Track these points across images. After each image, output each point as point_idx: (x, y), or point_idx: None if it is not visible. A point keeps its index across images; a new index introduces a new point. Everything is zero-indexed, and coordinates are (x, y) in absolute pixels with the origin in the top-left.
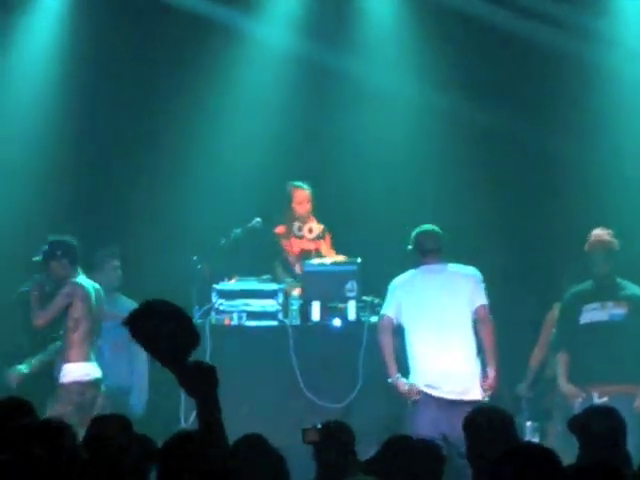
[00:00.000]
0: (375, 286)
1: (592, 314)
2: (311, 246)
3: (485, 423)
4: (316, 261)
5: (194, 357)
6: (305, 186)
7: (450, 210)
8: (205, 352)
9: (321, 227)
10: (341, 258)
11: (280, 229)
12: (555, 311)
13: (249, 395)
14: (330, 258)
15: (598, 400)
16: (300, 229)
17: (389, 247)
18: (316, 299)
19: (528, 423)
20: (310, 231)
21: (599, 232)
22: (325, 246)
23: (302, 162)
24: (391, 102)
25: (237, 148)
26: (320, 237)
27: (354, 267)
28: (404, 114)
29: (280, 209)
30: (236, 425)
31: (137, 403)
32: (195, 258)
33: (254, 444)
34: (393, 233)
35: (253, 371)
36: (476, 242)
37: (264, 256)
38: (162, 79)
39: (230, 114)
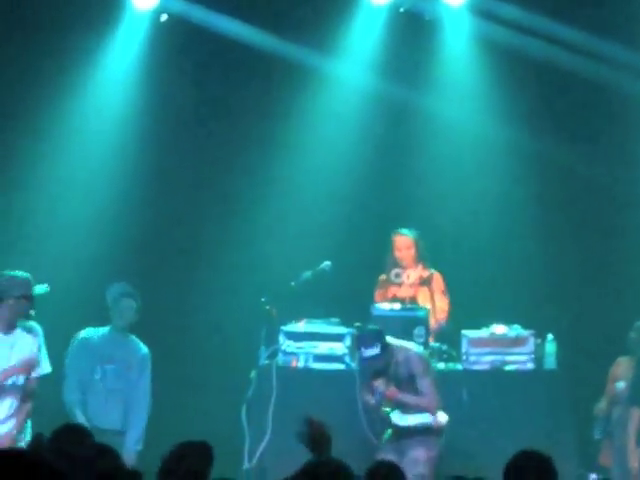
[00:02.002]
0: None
1: None
2: (407, 293)
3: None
4: (386, 305)
5: (263, 396)
6: (406, 232)
7: (531, 247)
8: (271, 393)
9: (427, 273)
10: (444, 303)
11: (381, 278)
12: (620, 365)
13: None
14: (407, 304)
15: None
16: (398, 276)
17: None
18: None
19: (592, 477)
20: (408, 277)
21: None
22: (424, 294)
23: (377, 203)
24: (465, 139)
25: (311, 188)
26: (424, 283)
27: (423, 313)
28: (478, 151)
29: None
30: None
31: (133, 443)
32: (264, 299)
33: None
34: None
35: (318, 413)
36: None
37: (333, 299)
38: (238, 121)
39: (306, 154)
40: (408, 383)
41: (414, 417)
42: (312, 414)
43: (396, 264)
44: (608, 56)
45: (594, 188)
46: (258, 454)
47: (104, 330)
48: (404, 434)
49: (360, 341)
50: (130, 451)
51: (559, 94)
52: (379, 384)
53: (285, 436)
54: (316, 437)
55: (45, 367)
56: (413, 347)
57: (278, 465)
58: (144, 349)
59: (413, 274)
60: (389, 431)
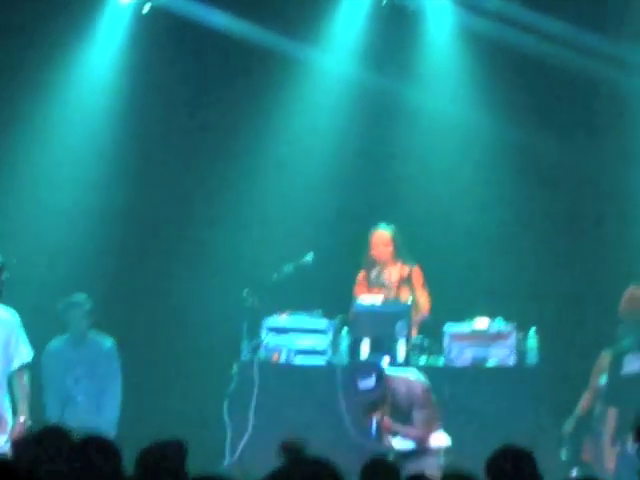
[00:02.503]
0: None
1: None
2: (390, 294)
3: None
4: (367, 300)
5: (245, 391)
6: (383, 228)
7: (505, 246)
8: (253, 388)
9: (406, 270)
10: (425, 297)
11: (361, 275)
12: (605, 359)
13: (295, 432)
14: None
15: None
16: (378, 276)
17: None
18: (366, 338)
19: (573, 472)
20: (390, 276)
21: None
22: (405, 292)
23: (361, 195)
24: (448, 130)
25: (294, 180)
26: (405, 282)
27: (405, 307)
28: (461, 142)
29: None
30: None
31: (106, 426)
32: (246, 292)
33: None
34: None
35: (300, 408)
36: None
37: (316, 291)
38: (219, 113)
39: (290, 146)
40: (407, 413)
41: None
42: (287, 439)
43: (374, 261)
44: (591, 48)
45: (578, 179)
46: (240, 449)
47: (64, 337)
48: (403, 456)
49: (356, 372)
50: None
51: (542, 85)
52: (375, 415)
53: (267, 431)
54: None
55: (26, 354)
56: (415, 377)
57: (259, 460)
58: (107, 342)
59: (394, 273)
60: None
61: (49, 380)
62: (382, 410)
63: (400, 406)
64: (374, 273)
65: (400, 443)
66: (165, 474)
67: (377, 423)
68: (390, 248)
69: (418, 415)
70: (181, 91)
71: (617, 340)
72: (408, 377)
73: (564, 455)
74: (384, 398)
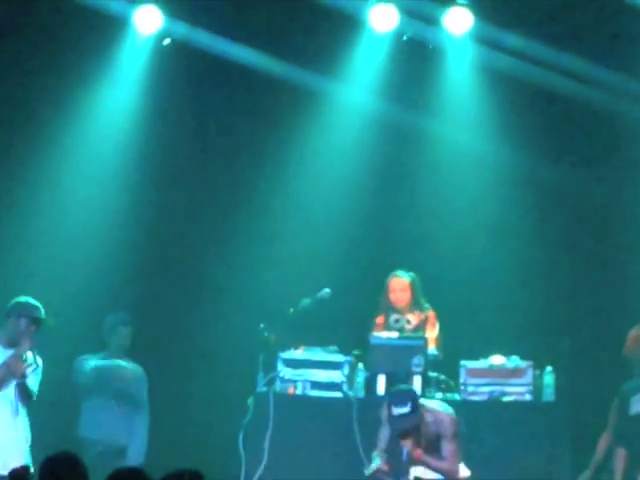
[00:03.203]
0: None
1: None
2: None
3: None
4: (384, 334)
5: (260, 423)
6: (402, 274)
7: (530, 277)
8: (268, 420)
9: (423, 316)
10: (434, 333)
11: (379, 319)
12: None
13: (309, 465)
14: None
15: None
16: (397, 321)
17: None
18: (382, 372)
19: None
20: (409, 323)
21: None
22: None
23: (379, 230)
24: (467, 164)
25: (312, 214)
26: (420, 327)
27: (421, 342)
28: (479, 177)
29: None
30: None
31: (136, 457)
32: (262, 326)
33: None
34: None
35: (315, 442)
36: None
37: (332, 327)
38: (240, 146)
39: (308, 179)
40: (434, 444)
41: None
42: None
43: (390, 307)
44: (609, 84)
45: (595, 214)
46: (258, 474)
47: (102, 355)
48: None
49: (391, 399)
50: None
51: (561, 121)
52: (407, 443)
53: (281, 463)
54: None
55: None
56: (443, 408)
57: None
58: (139, 368)
59: (412, 319)
60: None
61: (86, 398)
62: (413, 439)
63: (427, 437)
64: (393, 318)
65: (425, 473)
66: None
67: (407, 452)
68: (408, 294)
69: (448, 446)
70: (201, 124)
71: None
72: (436, 408)
73: None
74: (418, 426)
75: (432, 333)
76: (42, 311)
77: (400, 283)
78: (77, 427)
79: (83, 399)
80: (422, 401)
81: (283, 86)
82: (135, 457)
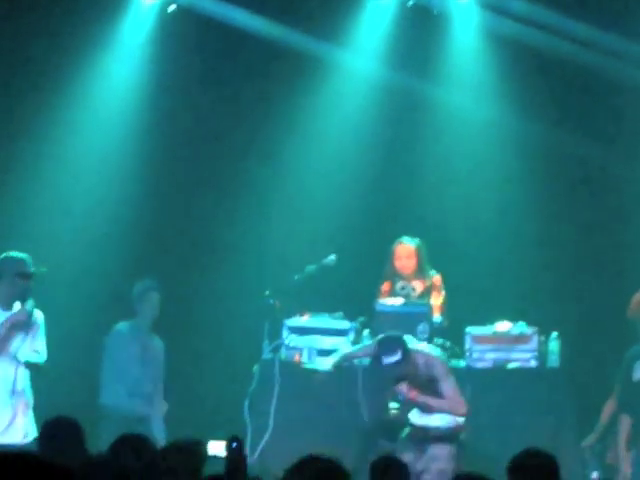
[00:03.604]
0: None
1: None
2: None
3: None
4: (389, 301)
5: (265, 390)
6: (408, 240)
7: (536, 244)
8: (274, 387)
9: (429, 282)
10: (439, 300)
11: (385, 286)
12: None
13: (315, 432)
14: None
15: None
16: (403, 288)
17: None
18: None
19: (594, 475)
20: (414, 290)
21: None
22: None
23: (385, 195)
24: (472, 130)
25: (317, 180)
26: (425, 294)
27: (426, 308)
28: (485, 142)
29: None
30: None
31: (162, 430)
32: (267, 293)
33: None
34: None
35: (319, 408)
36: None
37: (337, 293)
38: (247, 112)
39: (314, 146)
40: (428, 387)
41: (434, 417)
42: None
43: (396, 274)
44: (614, 48)
45: (601, 180)
46: (260, 448)
47: (131, 323)
48: (422, 432)
49: (381, 348)
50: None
51: (566, 87)
52: (402, 388)
53: (287, 430)
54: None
55: (42, 354)
56: (432, 350)
57: (280, 459)
58: (161, 342)
59: (418, 286)
60: (407, 429)
61: (115, 365)
62: (408, 383)
63: (420, 378)
64: (399, 285)
65: (419, 417)
66: (184, 474)
67: (403, 396)
68: (414, 261)
69: (445, 385)
70: (206, 90)
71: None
72: (425, 350)
73: (591, 473)
74: (408, 372)
75: (437, 300)
76: (28, 263)
77: (406, 250)
78: (99, 395)
79: (107, 367)
80: (411, 345)
81: (289, 53)
82: (159, 425)
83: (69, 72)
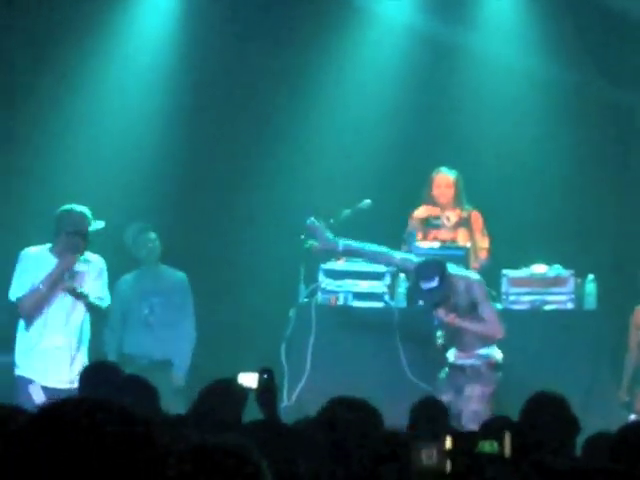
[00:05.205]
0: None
1: None
2: (447, 236)
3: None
4: (425, 244)
5: (302, 334)
6: (447, 171)
7: (573, 187)
8: (310, 331)
9: (465, 213)
10: (485, 242)
11: (418, 213)
12: (638, 314)
13: (351, 375)
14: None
15: None
16: (437, 218)
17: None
18: None
19: (632, 416)
20: (448, 219)
21: None
22: (463, 234)
23: (420, 140)
24: (506, 75)
25: (354, 125)
26: (463, 224)
27: (462, 252)
28: (517, 85)
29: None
30: None
31: (180, 377)
32: (303, 237)
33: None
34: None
35: (357, 352)
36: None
37: (373, 237)
38: (276, 60)
39: (350, 92)
40: (469, 312)
41: (471, 356)
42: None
43: (432, 202)
44: None
45: (635, 125)
46: (297, 392)
47: (136, 270)
48: (460, 371)
49: (419, 273)
50: (178, 379)
51: (606, 36)
52: (440, 313)
53: (324, 374)
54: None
55: (105, 299)
56: (473, 275)
57: (317, 402)
58: (180, 274)
59: (452, 216)
60: (445, 369)
61: (123, 309)
62: (446, 307)
63: (461, 303)
64: (432, 215)
65: (456, 357)
66: (222, 416)
67: (441, 321)
68: (452, 191)
69: (485, 309)
70: (241, 40)
71: None
72: (466, 275)
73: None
74: (448, 297)
75: (483, 242)
76: (87, 218)
77: (445, 179)
78: (122, 345)
79: (124, 319)
80: (450, 270)
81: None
82: (179, 369)
83: (97, 35)
